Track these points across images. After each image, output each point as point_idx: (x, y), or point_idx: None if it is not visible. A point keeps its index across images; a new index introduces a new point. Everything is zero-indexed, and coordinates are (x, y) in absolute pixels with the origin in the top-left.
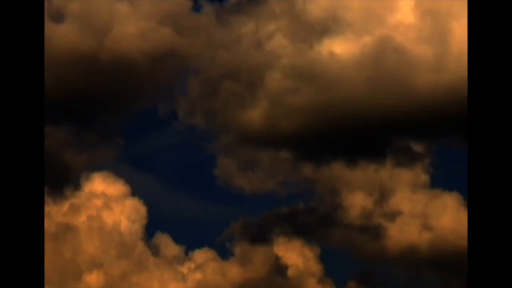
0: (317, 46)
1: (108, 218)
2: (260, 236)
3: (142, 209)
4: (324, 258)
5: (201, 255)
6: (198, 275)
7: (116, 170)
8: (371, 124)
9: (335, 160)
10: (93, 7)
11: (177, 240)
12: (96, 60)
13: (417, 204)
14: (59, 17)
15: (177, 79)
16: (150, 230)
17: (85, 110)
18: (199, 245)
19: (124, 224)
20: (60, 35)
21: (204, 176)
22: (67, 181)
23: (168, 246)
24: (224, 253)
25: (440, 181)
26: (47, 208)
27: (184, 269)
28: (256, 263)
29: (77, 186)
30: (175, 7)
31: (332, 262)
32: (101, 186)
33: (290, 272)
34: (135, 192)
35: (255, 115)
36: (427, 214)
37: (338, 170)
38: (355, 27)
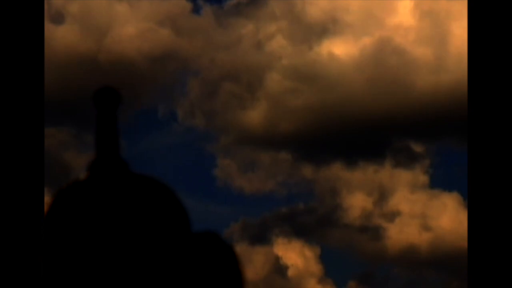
0: (317, 47)
1: None
2: (260, 236)
3: None
4: (324, 258)
5: None
6: None
7: None
8: (371, 125)
9: (334, 160)
10: (92, 8)
11: None
12: (95, 60)
13: (416, 204)
14: (59, 18)
15: (177, 80)
16: None
17: (85, 111)
18: None
19: None
20: (60, 36)
21: (203, 177)
22: (67, 182)
23: None
24: None
25: (439, 181)
26: (47, 209)
27: None
28: (256, 264)
29: None
30: (174, 8)
31: (332, 263)
32: None
33: (290, 272)
34: None
35: (255, 116)
36: (426, 215)
37: (337, 170)
38: (355, 28)
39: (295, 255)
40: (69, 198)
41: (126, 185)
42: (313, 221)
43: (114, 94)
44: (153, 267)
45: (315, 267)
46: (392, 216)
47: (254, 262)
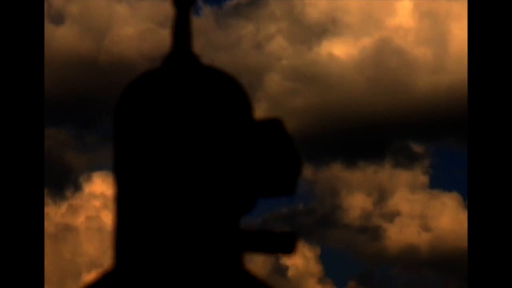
0: (316, 47)
1: (108, 218)
2: None
3: None
4: (324, 259)
5: None
6: None
7: None
8: (371, 125)
9: (334, 161)
10: (92, 9)
11: None
12: (95, 61)
13: (416, 204)
14: (59, 19)
15: None
16: None
17: (85, 112)
18: None
19: None
20: (60, 36)
21: None
22: (67, 182)
23: None
24: None
25: (439, 181)
26: (47, 209)
27: None
28: (256, 263)
29: (77, 187)
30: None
31: (332, 263)
32: (100, 186)
33: (290, 272)
34: None
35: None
36: (426, 215)
37: (337, 171)
38: (354, 29)
39: (295, 256)
40: (143, 85)
41: (196, 75)
42: (313, 222)
43: None
44: (217, 153)
45: (315, 267)
46: (392, 216)
47: (254, 262)
